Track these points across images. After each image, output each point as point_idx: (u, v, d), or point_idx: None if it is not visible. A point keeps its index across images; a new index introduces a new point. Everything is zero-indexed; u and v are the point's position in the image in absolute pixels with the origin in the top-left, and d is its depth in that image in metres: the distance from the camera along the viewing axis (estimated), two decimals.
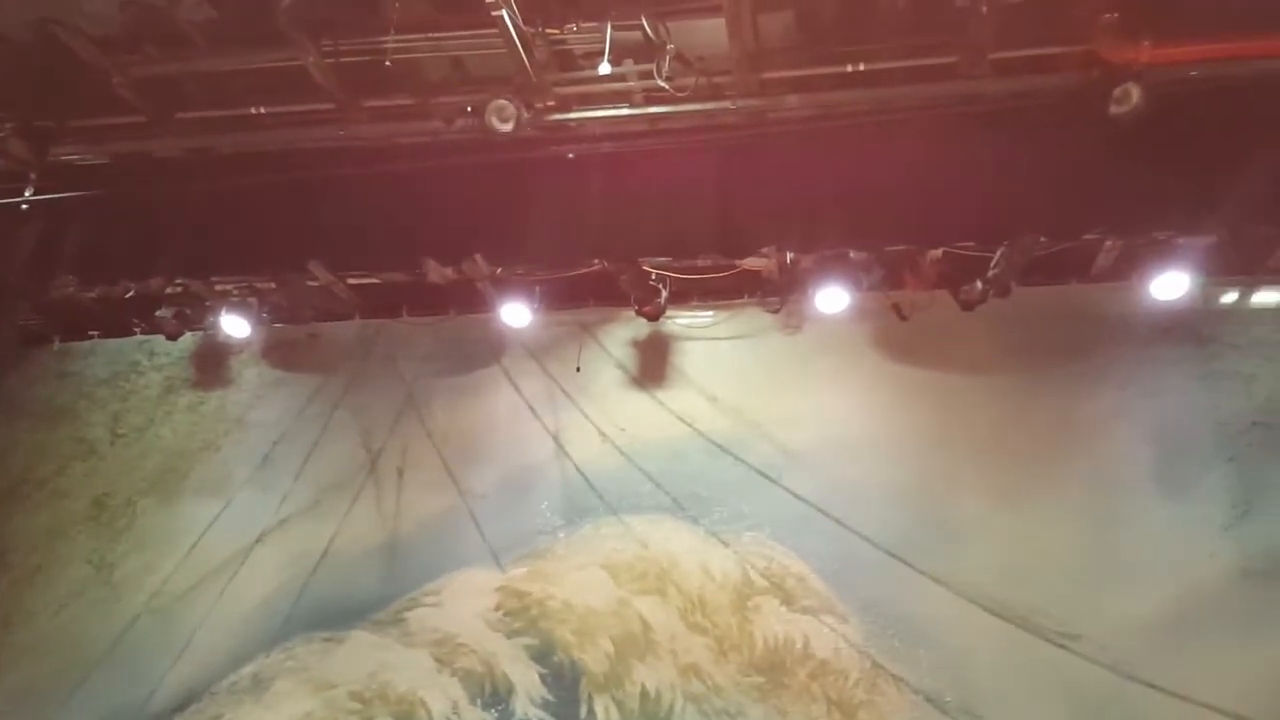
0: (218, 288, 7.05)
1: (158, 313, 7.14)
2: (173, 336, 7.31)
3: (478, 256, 6.41)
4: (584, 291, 7.10)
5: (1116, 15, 5.23)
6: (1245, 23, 5.19)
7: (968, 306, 6.50)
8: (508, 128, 5.64)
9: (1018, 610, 6.32)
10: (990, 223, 5.89)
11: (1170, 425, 6.49)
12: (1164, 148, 5.47)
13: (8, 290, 6.88)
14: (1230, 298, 6.63)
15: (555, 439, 7.29)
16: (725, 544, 6.94)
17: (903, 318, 6.91)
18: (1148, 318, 6.47)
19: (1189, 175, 5.49)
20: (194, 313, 7.19)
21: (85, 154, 6.33)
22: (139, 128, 6.16)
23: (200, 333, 7.64)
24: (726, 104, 5.72)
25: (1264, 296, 6.57)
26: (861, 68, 5.59)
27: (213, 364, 7.90)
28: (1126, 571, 6.32)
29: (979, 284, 6.38)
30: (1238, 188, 5.41)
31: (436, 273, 6.63)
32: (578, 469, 7.23)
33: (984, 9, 5.10)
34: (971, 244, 6.14)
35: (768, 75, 5.67)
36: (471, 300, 7.14)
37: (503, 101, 5.61)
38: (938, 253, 6.47)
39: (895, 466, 6.85)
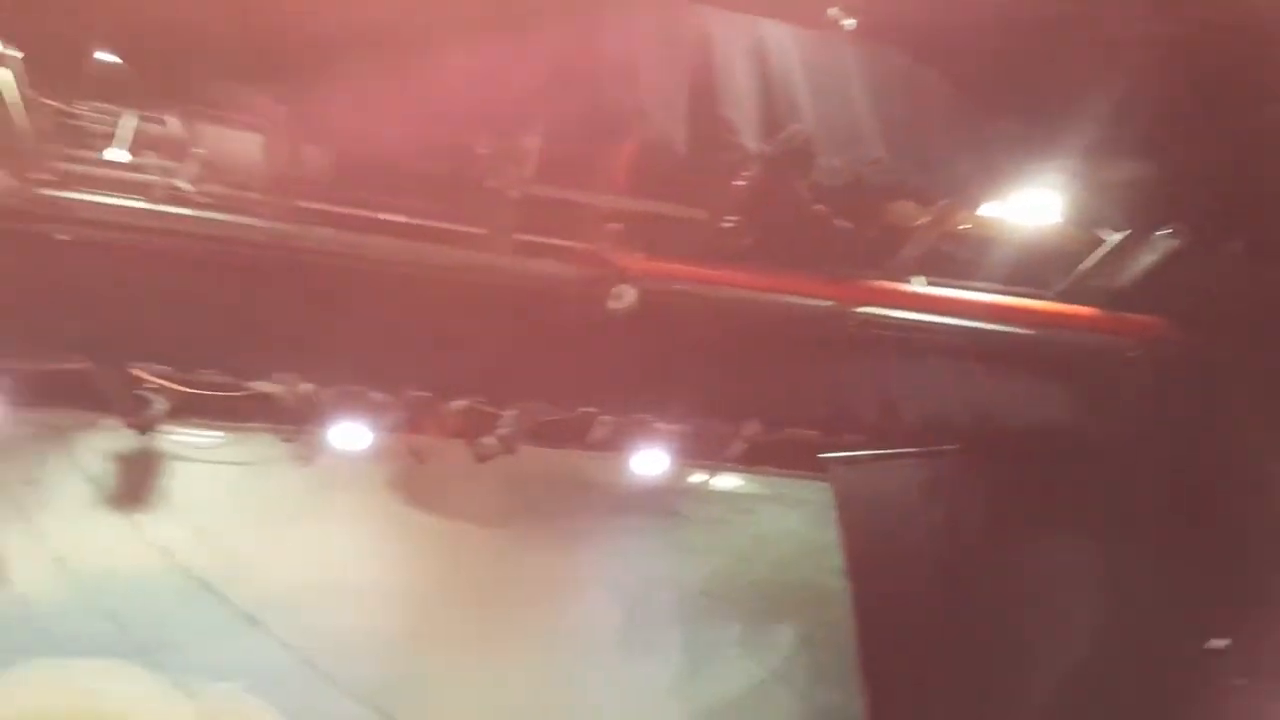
0: None
1: None
2: None
3: None
4: (59, 390, 6.19)
5: (621, 226, 6.10)
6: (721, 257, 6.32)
7: (481, 459, 6.80)
8: None
9: None
10: (505, 384, 6.29)
11: (637, 589, 7.27)
12: (651, 344, 6.25)
13: None
14: (696, 479, 7.75)
15: None
16: (190, 696, 6.22)
17: (421, 462, 7.05)
18: (630, 489, 7.29)
19: (668, 370, 6.38)
20: None
21: None
22: None
23: None
24: (255, 222, 5.56)
25: (720, 481, 7.79)
26: (399, 219, 5.82)
27: None
28: None
29: (491, 439, 6.74)
30: (700, 387, 6.42)
31: None
32: (13, 601, 6.07)
33: (512, 193, 5.65)
34: (486, 400, 6.51)
35: (303, 204, 5.64)
36: None
37: None
38: (461, 403, 6.77)
39: (394, 613, 6.79)
